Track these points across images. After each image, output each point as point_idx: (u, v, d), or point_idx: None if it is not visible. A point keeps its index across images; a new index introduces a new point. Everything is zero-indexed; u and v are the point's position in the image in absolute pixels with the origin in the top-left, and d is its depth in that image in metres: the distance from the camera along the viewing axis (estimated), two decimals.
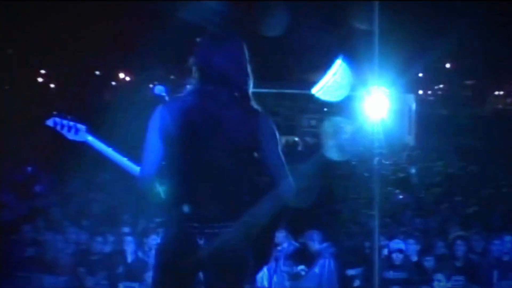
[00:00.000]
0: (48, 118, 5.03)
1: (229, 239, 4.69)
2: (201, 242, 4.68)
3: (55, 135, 5.07)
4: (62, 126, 4.98)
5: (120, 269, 11.20)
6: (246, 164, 4.71)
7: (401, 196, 16.24)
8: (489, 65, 31.51)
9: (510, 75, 36.47)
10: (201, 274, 4.85)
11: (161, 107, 4.75)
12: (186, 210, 4.69)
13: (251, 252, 4.76)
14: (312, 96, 30.92)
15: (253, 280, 5.09)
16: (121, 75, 34.00)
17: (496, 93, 38.66)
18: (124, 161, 5.04)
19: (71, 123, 4.99)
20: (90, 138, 5.02)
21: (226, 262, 4.72)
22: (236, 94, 4.71)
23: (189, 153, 4.66)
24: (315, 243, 11.47)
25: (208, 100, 4.69)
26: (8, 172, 16.98)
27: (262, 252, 4.88)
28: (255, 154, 4.71)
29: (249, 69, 4.77)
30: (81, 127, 5.00)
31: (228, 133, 4.65)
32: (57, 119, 4.99)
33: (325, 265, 11.18)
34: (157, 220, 11.80)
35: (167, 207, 4.82)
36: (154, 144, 4.72)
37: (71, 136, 4.99)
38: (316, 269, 11.18)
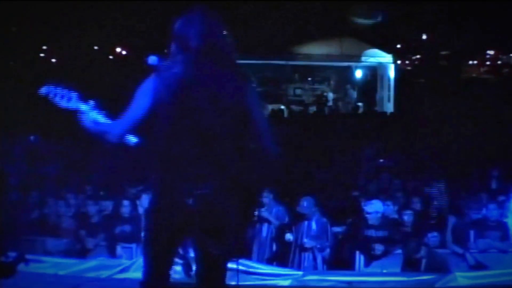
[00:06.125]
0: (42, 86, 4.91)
1: (217, 200, 4.68)
2: (189, 202, 4.65)
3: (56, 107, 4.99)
4: (55, 94, 4.85)
5: (118, 231, 11.18)
6: (234, 127, 4.70)
7: (381, 160, 16.22)
8: (463, 36, 31.40)
9: (483, 46, 36.43)
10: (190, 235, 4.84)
11: (155, 74, 4.73)
12: (176, 171, 4.67)
13: (236, 213, 4.74)
14: (297, 67, 30.98)
15: (240, 240, 5.03)
16: (118, 49, 33.81)
17: (470, 62, 38.59)
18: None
19: (64, 91, 4.86)
20: (82, 106, 4.87)
21: (213, 222, 4.70)
22: (222, 62, 4.71)
23: (180, 117, 4.65)
24: (305, 209, 11.39)
25: (198, 68, 4.70)
26: (13, 142, 16.96)
27: (247, 212, 4.84)
28: (243, 117, 4.71)
29: (229, 40, 4.80)
30: (73, 94, 4.86)
31: (218, 97, 4.66)
32: (50, 87, 4.86)
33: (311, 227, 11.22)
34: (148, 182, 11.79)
35: (157, 168, 4.79)
36: (141, 104, 4.70)
37: (63, 103, 4.86)
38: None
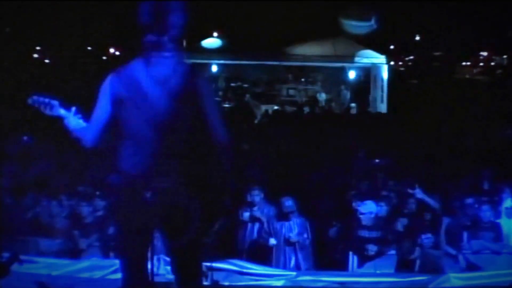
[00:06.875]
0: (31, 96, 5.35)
1: (174, 191, 4.77)
2: (147, 195, 4.74)
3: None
4: (39, 103, 5.31)
5: (111, 231, 11.14)
6: (188, 119, 4.82)
7: (376, 160, 16.19)
8: (456, 37, 31.47)
9: (476, 47, 36.51)
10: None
11: (111, 75, 4.96)
12: (132, 165, 4.82)
13: (198, 204, 4.82)
14: (291, 67, 31.00)
15: (215, 233, 5.14)
16: (111, 50, 33.82)
17: (463, 63, 38.65)
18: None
19: (46, 100, 5.31)
20: (62, 112, 5.28)
21: (174, 215, 4.79)
22: (175, 57, 4.90)
23: (136, 112, 4.81)
24: (287, 208, 11.39)
25: (152, 64, 4.87)
26: (6, 142, 16.88)
27: (211, 208, 4.92)
28: (197, 109, 4.84)
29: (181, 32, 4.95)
30: (55, 103, 5.31)
31: (172, 91, 4.81)
32: (35, 98, 5.33)
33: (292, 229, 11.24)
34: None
35: (115, 163, 4.94)
36: (103, 106, 4.94)
37: (47, 111, 5.31)
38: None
